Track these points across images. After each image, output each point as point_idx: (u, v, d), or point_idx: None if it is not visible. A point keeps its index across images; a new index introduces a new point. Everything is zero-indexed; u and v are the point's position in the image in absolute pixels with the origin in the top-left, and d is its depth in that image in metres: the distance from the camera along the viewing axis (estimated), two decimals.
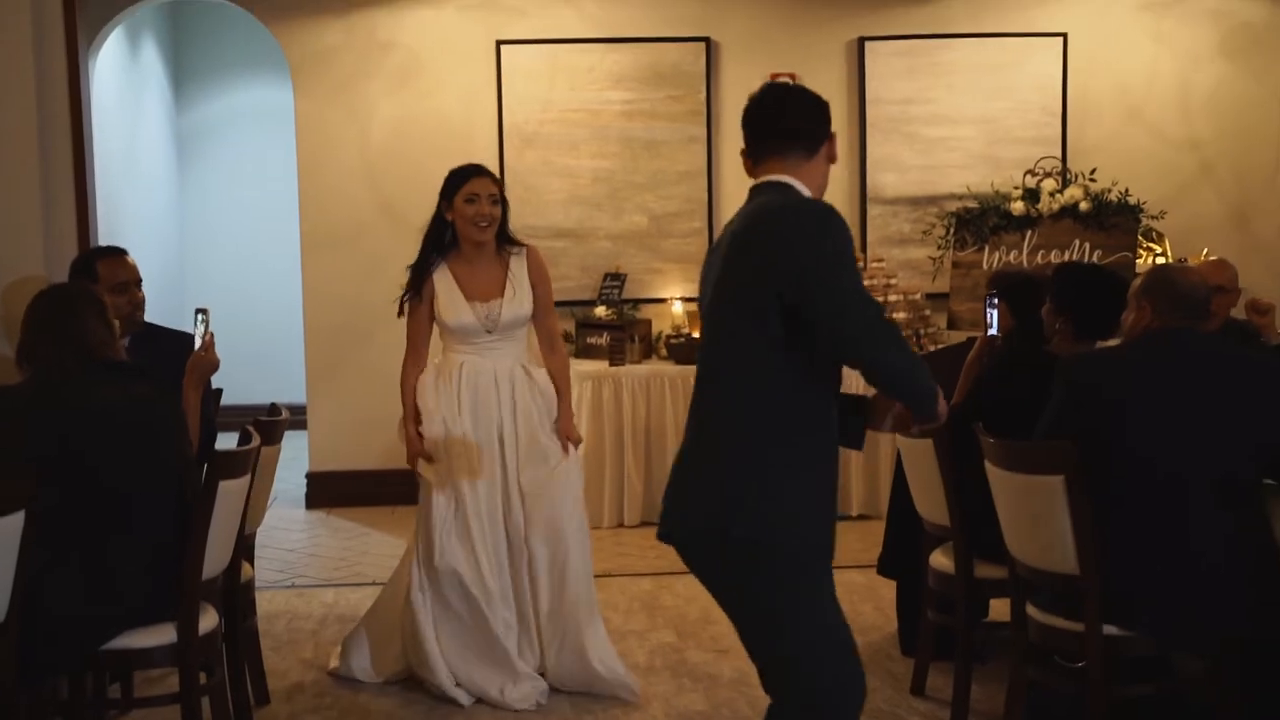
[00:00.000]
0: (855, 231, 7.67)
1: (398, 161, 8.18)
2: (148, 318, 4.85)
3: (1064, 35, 8.28)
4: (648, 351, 7.95)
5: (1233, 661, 3.83)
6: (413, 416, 4.91)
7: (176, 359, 4.39)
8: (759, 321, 2.91)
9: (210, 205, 11.31)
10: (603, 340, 7.67)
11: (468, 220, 4.85)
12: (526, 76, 8.17)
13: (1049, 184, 7.75)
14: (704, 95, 8.18)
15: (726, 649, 5.25)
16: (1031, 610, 4.02)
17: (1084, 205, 7.63)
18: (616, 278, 8.07)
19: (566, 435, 4.93)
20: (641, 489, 7.44)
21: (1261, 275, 8.17)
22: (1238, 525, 3.78)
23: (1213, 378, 3.81)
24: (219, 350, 4.43)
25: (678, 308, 8.07)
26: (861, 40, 8.24)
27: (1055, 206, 7.67)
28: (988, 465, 4.04)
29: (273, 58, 9.34)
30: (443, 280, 4.90)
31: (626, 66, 8.20)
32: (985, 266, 7.67)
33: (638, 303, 8.15)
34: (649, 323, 8.07)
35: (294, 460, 8.15)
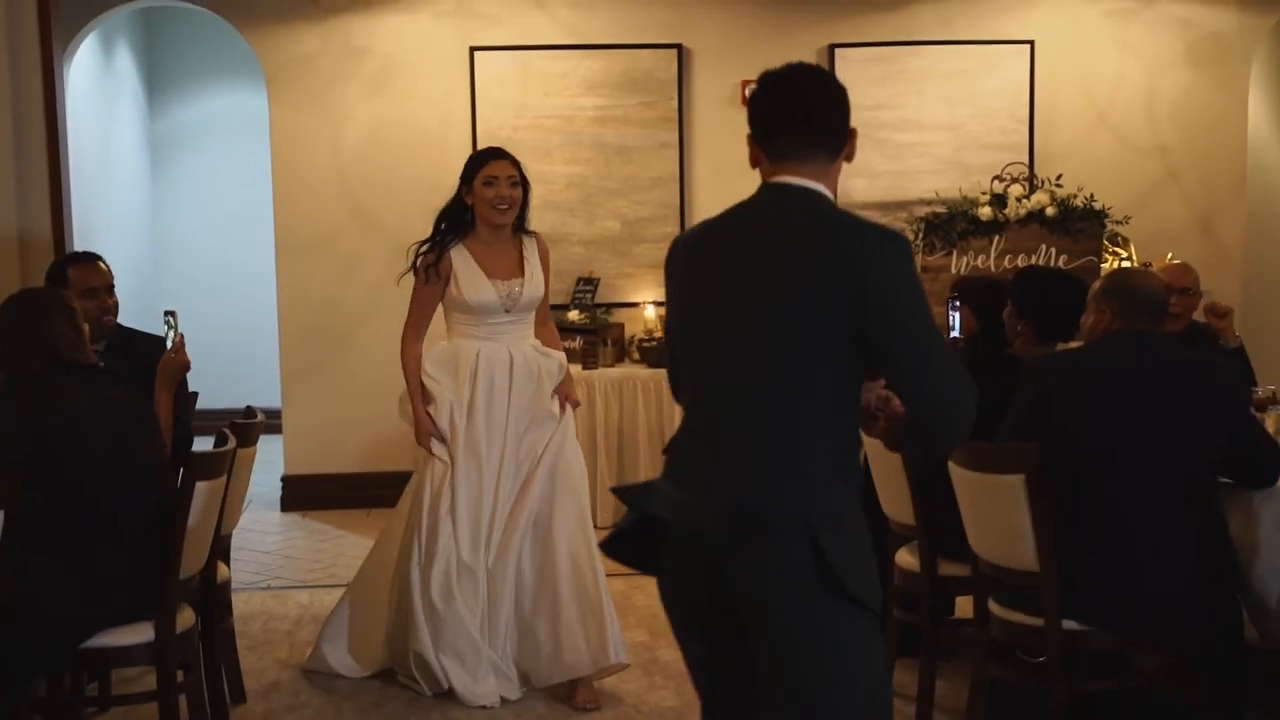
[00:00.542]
0: None
1: (372, 167, 8.24)
2: (124, 323, 4.90)
3: (1031, 43, 8.38)
4: (620, 355, 8.03)
5: (1191, 658, 3.91)
6: (419, 394, 4.93)
7: (152, 362, 4.43)
8: (830, 347, 2.57)
9: (185, 210, 11.32)
10: (576, 344, 7.73)
11: (487, 203, 4.85)
12: (500, 83, 8.23)
13: (1016, 189, 7.86)
14: (676, 102, 8.26)
15: None
16: (994, 607, 4.10)
17: (1050, 210, 7.75)
18: (589, 282, 8.14)
19: (567, 396, 4.98)
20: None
21: (1226, 280, 8.30)
22: (1195, 523, 3.86)
23: (1170, 379, 3.90)
24: (191, 353, 4.47)
25: (650, 312, 8.14)
26: (832, 47, 8.33)
27: (1022, 212, 7.78)
28: (951, 465, 4.11)
29: (247, 64, 9.38)
30: (461, 258, 4.88)
31: (599, 73, 8.28)
32: (954, 271, 7.77)
33: (610, 307, 8.22)
34: (621, 326, 8.15)
35: (269, 464, 8.20)
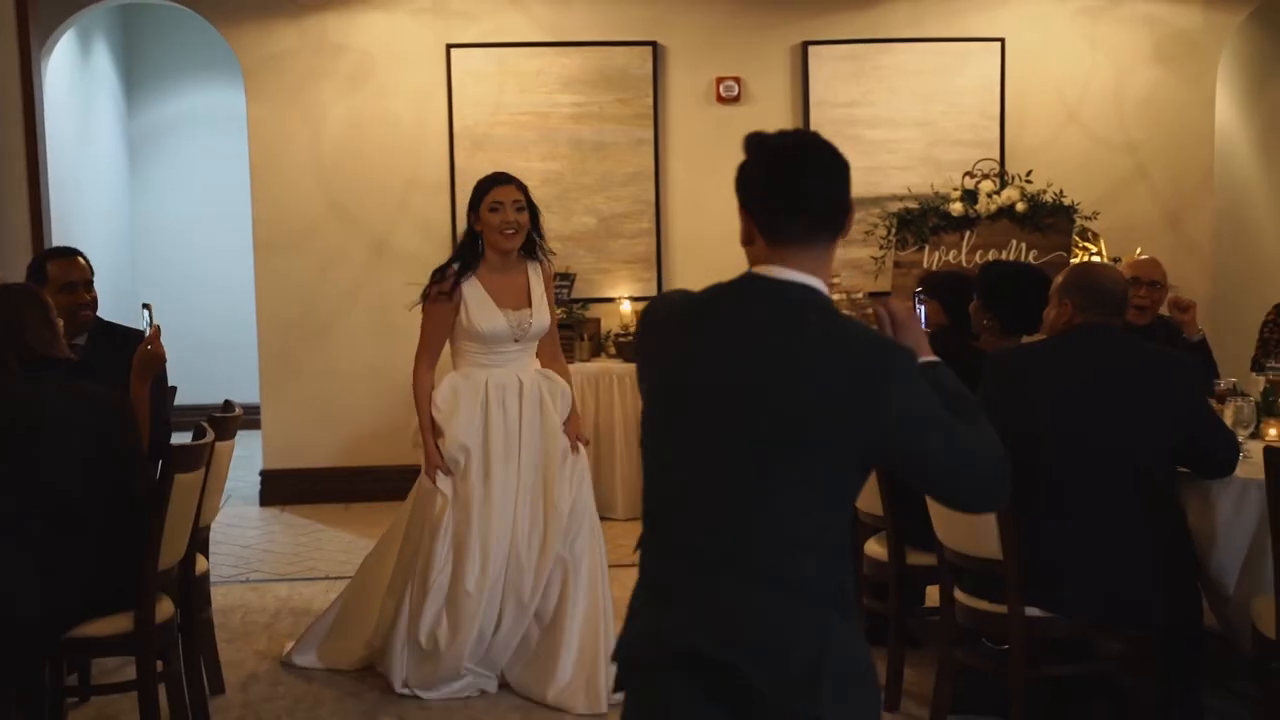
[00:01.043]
0: None
1: (350, 163, 8.30)
2: (105, 318, 4.96)
3: (1002, 40, 8.48)
4: (596, 350, 8.11)
5: (1150, 643, 4.01)
6: (429, 427, 4.91)
7: (134, 355, 4.49)
8: (838, 474, 2.31)
9: (163, 207, 11.36)
10: None
11: (494, 229, 4.86)
12: (476, 80, 8.29)
13: (987, 185, 7.95)
14: (651, 98, 8.33)
15: None
16: (959, 594, 4.19)
17: (1020, 206, 7.84)
18: (566, 278, 8.21)
19: (576, 435, 4.99)
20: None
21: (1194, 274, 8.42)
22: (1153, 513, 3.96)
23: (1129, 372, 3.99)
24: (170, 349, 4.53)
25: (626, 307, 8.22)
26: (805, 44, 8.41)
27: (993, 207, 7.87)
28: None
29: (225, 61, 9.42)
30: (472, 288, 4.88)
31: (575, 70, 8.35)
32: (926, 266, 7.85)
33: (587, 302, 8.29)
34: (598, 321, 8.23)
35: (248, 459, 8.25)
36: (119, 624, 3.91)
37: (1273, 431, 4.51)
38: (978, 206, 7.89)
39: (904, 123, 8.48)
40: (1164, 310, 5.79)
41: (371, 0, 8.26)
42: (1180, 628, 4.05)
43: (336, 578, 6.51)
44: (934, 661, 4.65)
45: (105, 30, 10.44)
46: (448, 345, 5.02)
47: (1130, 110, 8.61)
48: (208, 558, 4.99)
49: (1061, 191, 7.92)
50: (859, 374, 2.26)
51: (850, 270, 8.31)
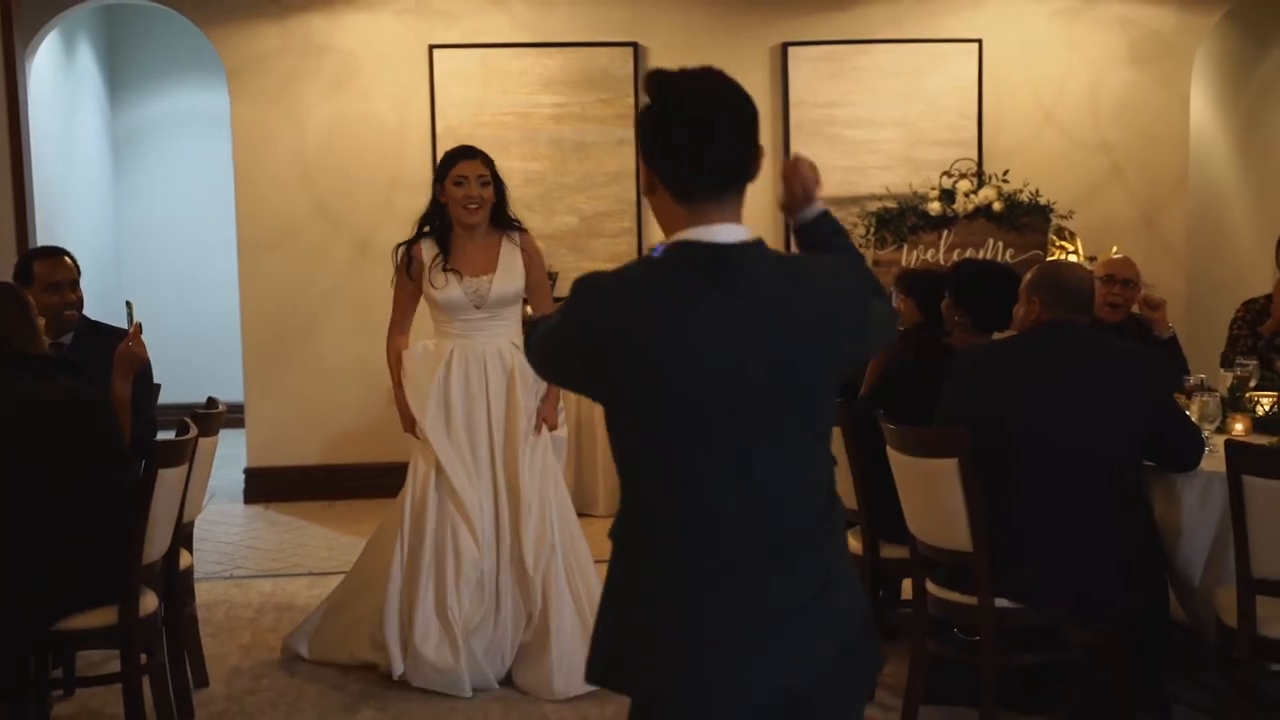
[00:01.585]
0: (781, 231, 7.97)
1: (333, 163, 8.35)
2: (91, 317, 5.01)
3: (979, 41, 8.55)
4: None
5: (1118, 633, 4.09)
6: (399, 384, 5.01)
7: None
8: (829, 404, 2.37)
9: (147, 207, 11.39)
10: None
11: (457, 203, 4.90)
12: (459, 80, 8.36)
13: (964, 185, 8.03)
14: (632, 99, 8.39)
15: None
16: (931, 586, 4.27)
17: (997, 206, 7.92)
18: (548, 276, 8.26)
19: (544, 417, 4.97)
20: (572, 480, 7.62)
21: (1168, 273, 8.51)
22: (1119, 506, 4.05)
23: (1095, 368, 4.07)
24: (154, 348, 4.59)
25: None
26: (785, 45, 8.49)
27: (970, 207, 7.96)
28: (889, 450, 4.28)
29: (208, 61, 9.46)
30: (431, 257, 4.95)
31: (556, 71, 8.41)
32: (904, 264, 7.93)
33: None
34: None
35: (232, 457, 8.30)
36: (104, 617, 3.97)
37: (1238, 426, 4.59)
38: (955, 206, 7.98)
39: (883, 123, 8.56)
40: (1135, 309, 5.87)
41: (354, 1, 8.31)
42: (1148, 619, 4.14)
43: (320, 573, 6.58)
44: (908, 653, 4.72)
45: (89, 30, 10.47)
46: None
47: (1106, 111, 8.70)
48: (192, 553, 5.05)
49: (1038, 191, 8.01)
50: (845, 295, 2.30)
51: None
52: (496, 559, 4.90)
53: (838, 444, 4.66)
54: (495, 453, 4.92)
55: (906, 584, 4.92)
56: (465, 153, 5.00)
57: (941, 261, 7.87)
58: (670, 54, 8.44)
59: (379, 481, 7.68)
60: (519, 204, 8.28)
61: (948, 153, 8.39)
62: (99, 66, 10.87)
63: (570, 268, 8.42)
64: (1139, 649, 4.14)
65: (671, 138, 2.23)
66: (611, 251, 8.45)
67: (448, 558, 4.83)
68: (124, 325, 4.68)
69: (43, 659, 4.32)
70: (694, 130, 2.22)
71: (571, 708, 4.69)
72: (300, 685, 4.98)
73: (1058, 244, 8.16)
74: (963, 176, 8.10)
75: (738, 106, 2.25)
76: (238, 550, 7.20)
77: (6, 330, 4.00)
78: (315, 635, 5.20)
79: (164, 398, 5.32)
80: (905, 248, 8.05)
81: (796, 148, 8.48)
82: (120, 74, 11.30)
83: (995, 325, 4.67)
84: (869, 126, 8.56)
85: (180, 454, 4.20)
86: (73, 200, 9.67)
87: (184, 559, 4.77)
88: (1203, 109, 9.25)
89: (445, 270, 4.93)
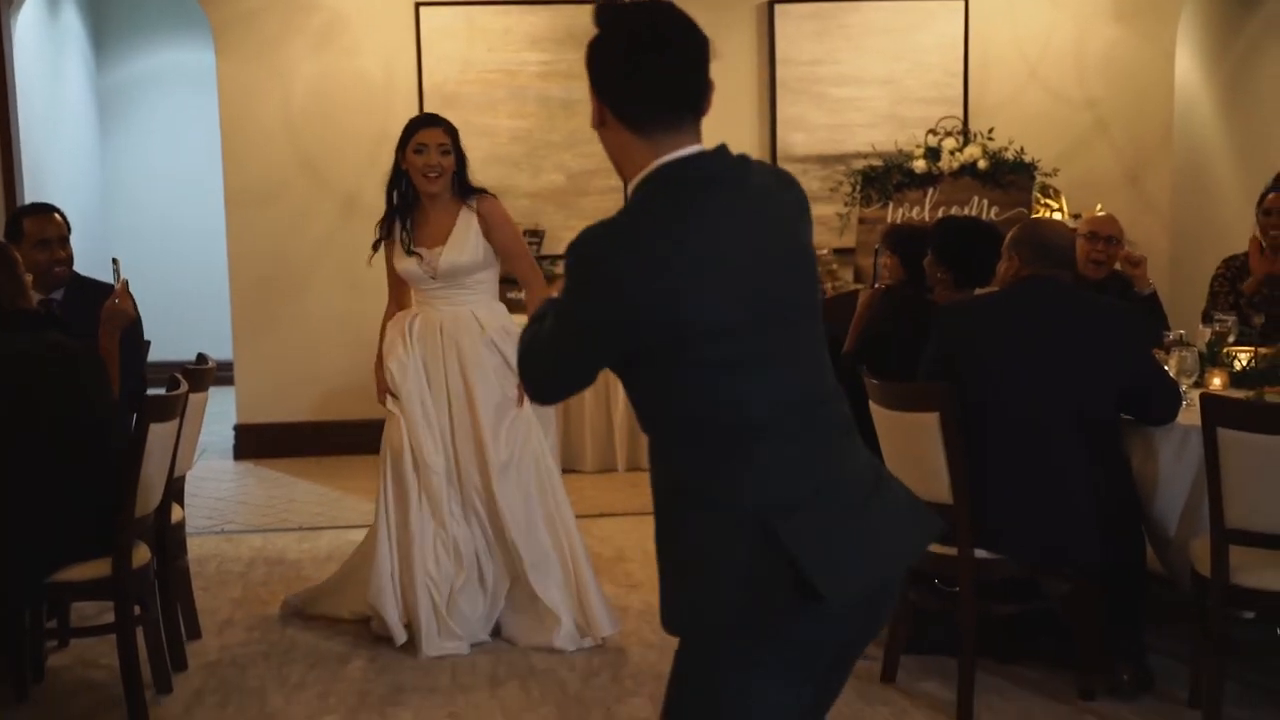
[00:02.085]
0: None
1: (319, 121, 8.37)
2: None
3: None
4: None
5: (1091, 582, 4.17)
6: (378, 355, 5.05)
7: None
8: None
9: (133, 164, 11.39)
10: (521, 294, 7.89)
11: (417, 170, 4.88)
12: (445, 37, 8.36)
13: (949, 143, 8.08)
14: None
15: (637, 584, 5.57)
16: None
17: (982, 163, 7.97)
18: (535, 234, 8.31)
19: (518, 386, 4.93)
20: (557, 436, 7.67)
21: (1153, 229, 8.57)
22: (1096, 458, 4.12)
23: (1073, 323, 4.14)
24: (142, 304, 4.63)
25: None
26: (771, 3, 8.50)
27: (955, 165, 8.01)
28: (872, 405, 4.34)
29: (194, 18, 9.45)
30: (400, 230, 4.95)
31: (542, 28, 8.42)
32: (890, 222, 7.98)
33: (556, 259, 8.38)
34: None
35: (222, 414, 8.36)
36: (98, 569, 4.03)
37: (1216, 381, 4.66)
38: (940, 164, 8.03)
39: (869, 81, 8.59)
40: (1117, 266, 5.93)
41: None
42: (1124, 570, 4.21)
43: (310, 528, 6.66)
44: None
45: None
46: None
47: (1091, 68, 8.73)
48: (183, 508, 5.11)
49: (1023, 149, 8.05)
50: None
51: (816, 227, 8.28)
52: (471, 520, 4.91)
53: None
54: (455, 418, 4.90)
55: None
56: (426, 120, 4.98)
57: (927, 219, 7.91)
58: None
59: (368, 437, 7.65)
60: (506, 161, 8.44)
61: (933, 110, 8.43)
62: (84, 23, 10.83)
63: (558, 225, 8.46)
64: (1116, 599, 4.22)
65: (628, 65, 2.19)
66: (599, 209, 8.46)
67: (423, 521, 4.86)
68: (112, 282, 4.71)
69: (38, 611, 4.38)
70: (654, 56, 2.17)
71: (560, 659, 4.76)
72: (292, 636, 5.04)
73: (1042, 201, 8.21)
74: (948, 134, 8.15)
75: (691, 32, 2.21)
76: (228, 506, 7.26)
77: None
78: (318, 596, 5.25)
79: (151, 355, 5.36)
80: (891, 206, 8.09)
81: (782, 105, 8.51)
82: (105, 31, 11.26)
83: (977, 282, 4.72)
84: (854, 84, 8.58)
85: (172, 409, 4.25)
86: (59, 156, 9.67)
87: (176, 513, 4.83)
88: (1188, 66, 9.28)
89: (403, 242, 4.93)
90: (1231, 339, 5.01)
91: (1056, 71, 8.72)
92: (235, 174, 8.40)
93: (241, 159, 8.38)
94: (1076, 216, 7.69)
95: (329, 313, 8.41)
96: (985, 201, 8.00)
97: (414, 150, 4.89)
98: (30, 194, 8.07)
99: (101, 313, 4.48)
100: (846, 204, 8.30)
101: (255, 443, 8.46)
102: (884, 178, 8.13)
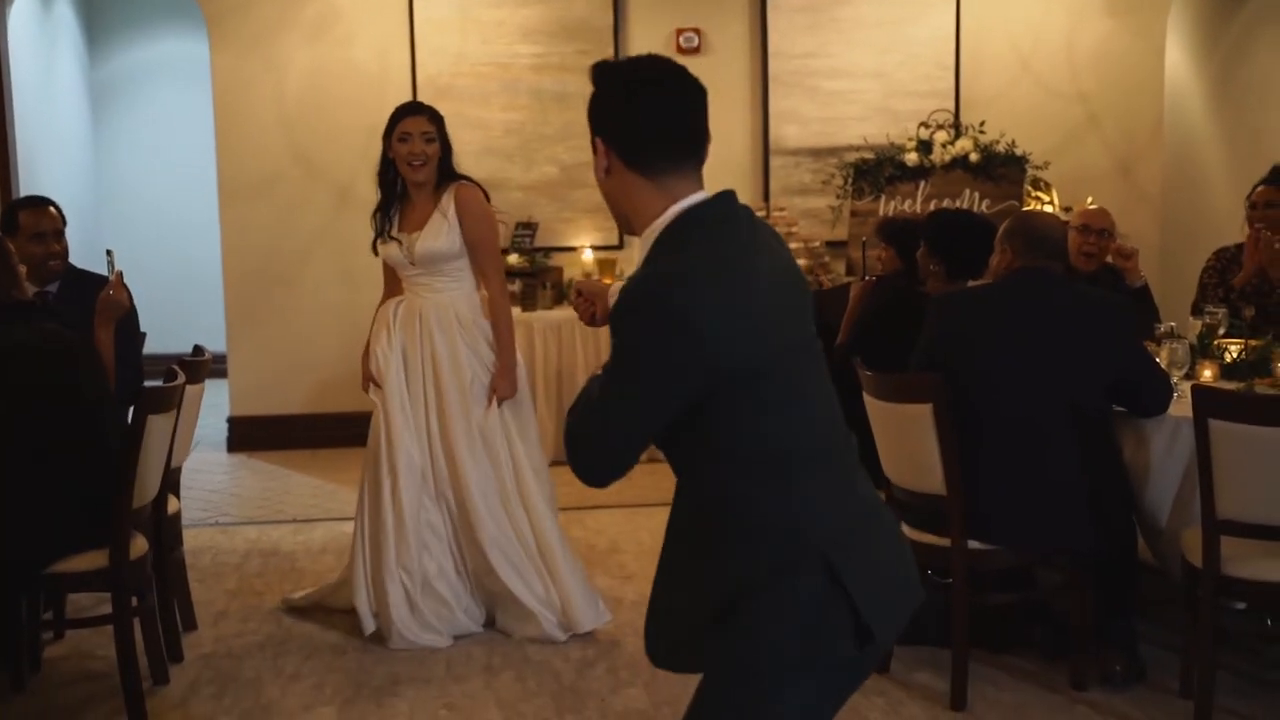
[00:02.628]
0: (758, 182, 8.02)
1: (313, 113, 8.37)
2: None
3: None
4: (559, 298, 8.22)
5: (1085, 573, 4.20)
6: (366, 344, 5.08)
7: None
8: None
9: (127, 157, 11.38)
10: (515, 287, 7.92)
11: (401, 159, 4.90)
12: (439, 30, 8.37)
13: (941, 136, 8.10)
14: (612, 49, 8.41)
15: (631, 575, 5.59)
16: (906, 529, 4.35)
17: (974, 156, 8.00)
18: (528, 227, 8.32)
19: (493, 388, 4.93)
20: (553, 429, 7.70)
21: (1144, 222, 8.60)
22: (1088, 450, 4.14)
23: (1064, 314, 4.16)
24: (137, 298, 4.64)
25: (588, 255, 8.34)
26: None
27: (947, 158, 8.03)
28: (866, 396, 4.37)
29: (187, 10, 9.44)
30: (384, 217, 4.99)
31: (536, 21, 8.43)
32: (882, 215, 8.00)
33: (549, 251, 8.42)
34: (560, 270, 8.35)
35: (216, 407, 8.35)
36: (95, 560, 4.03)
37: (1207, 373, 4.69)
38: (932, 157, 8.05)
39: (861, 74, 8.61)
40: (1109, 259, 5.95)
41: None
42: (1116, 559, 4.25)
43: (305, 520, 6.67)
44: None
45: None
46: None
47: (1082, 61, 8.76)
48: (179, 499, 5.12)
49: (1014, 142, 8.08)
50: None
51: (808, 220, 8.46)
52: (443, 509, 4.92)
53: None
54: (429, 409, 4.92)
55: None
56: (410, 109, 5.00)
57: (919, 212, 7.94)
58: (650, 4, 8.47)
59: (362, 429, 7.62)
60: (499, 154, 8.45)
61: (925, 103, 8.45)
62: (77, 16, 10.82)
63: (551, 217, 8.48)
64: (1108, 589, 4.26)
65: (629, 103, 2.21)
66: (592, 202, 8.48)
67: (402, 514, 4.86)
68: (106, 274, 4.72)
69: (34, 602, 4.39)
70: (653, 89, 2.20)
71: (555, 649, 4.79)
72: (288, 627, 5.06)
73: (1034, 194, 8.24)
74: (940, 127, 8.17)
75: (686, 75, 2.23)
76: (222, 498, 7.28)
77: None
78: (318, 601, 5.26)
79: (144, 348, 5.36)
80: (883, 198, 8.12)
81: (775, 98, 8.53)
82: (98, 23, 11.25)
83: (969, 274, 4.75)
84: (847, 78, 8.61)
85: (169, 400, 4.26)
86: (52, 148, 9.66)
87: (172, 504, 4.84)
88: (1178, 59, 9.31)
89: (388, 228, 4.97)
90: (1222, 331, 5.04)
91: (1048, 65, 8.74)
92: (229, 166, 8.40)
93: (235, 151, 8.38)
94: (1068, 209, 7.73)
95: (323, 304, 8.42)
96: (977, 194, 8.03)
97: (399, 139, 4.91)
98: (24, 187, 8.07)
99: (96, 304, 4.49)
100: (838, 197, 8.32)
101: (249, 435, 8.47)
102: (876, 171, 8.15)
